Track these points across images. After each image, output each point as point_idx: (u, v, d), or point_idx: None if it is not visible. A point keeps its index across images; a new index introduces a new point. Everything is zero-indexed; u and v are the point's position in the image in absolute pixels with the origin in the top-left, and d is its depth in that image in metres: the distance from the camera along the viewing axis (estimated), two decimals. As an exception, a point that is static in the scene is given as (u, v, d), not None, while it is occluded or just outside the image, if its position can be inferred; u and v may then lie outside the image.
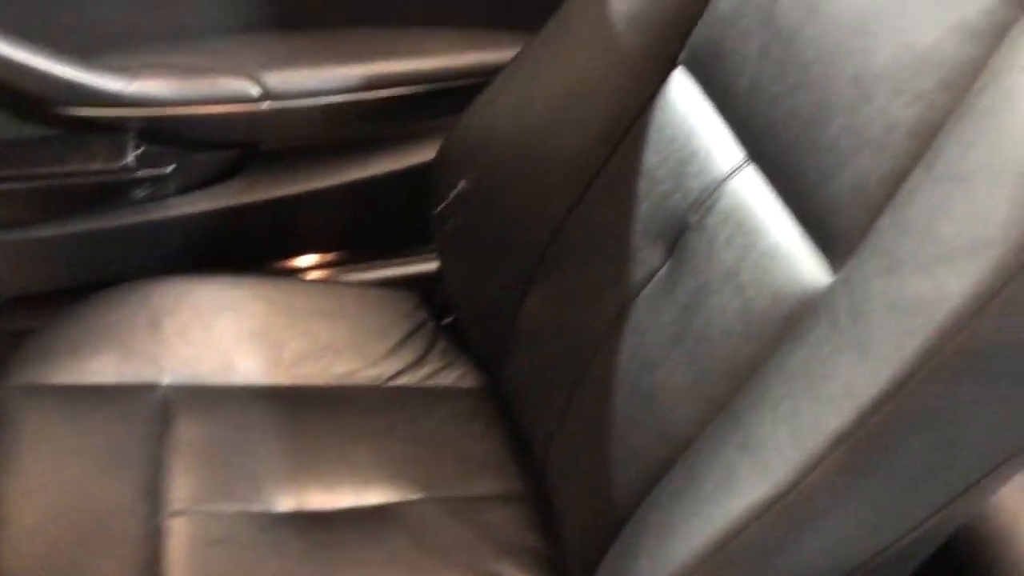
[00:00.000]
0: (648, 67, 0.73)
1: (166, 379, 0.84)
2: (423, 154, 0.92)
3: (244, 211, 0.96)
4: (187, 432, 0.80)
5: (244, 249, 1.00)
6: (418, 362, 0.91)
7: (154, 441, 0.79)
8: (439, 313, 0.96)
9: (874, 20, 0.55)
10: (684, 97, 0.71)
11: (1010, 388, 0.46)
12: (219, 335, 0.88)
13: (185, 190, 0.94)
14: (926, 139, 0.50)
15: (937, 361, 0.45)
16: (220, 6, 0.90)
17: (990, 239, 0.43)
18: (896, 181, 0.51)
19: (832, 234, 0.56)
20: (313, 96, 0.88)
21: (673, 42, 0.72)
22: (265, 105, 0.87)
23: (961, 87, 0.49)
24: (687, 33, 0.71)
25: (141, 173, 0.89)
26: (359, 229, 1.02)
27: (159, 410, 0.81)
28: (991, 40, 0.48)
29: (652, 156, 0.73)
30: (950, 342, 0.44)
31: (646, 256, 0.71)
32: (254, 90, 0.87)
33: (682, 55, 0.72)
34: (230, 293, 0.91)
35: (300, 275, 1.05)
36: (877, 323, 0.48)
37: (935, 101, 0.50)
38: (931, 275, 0.46)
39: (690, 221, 0.67)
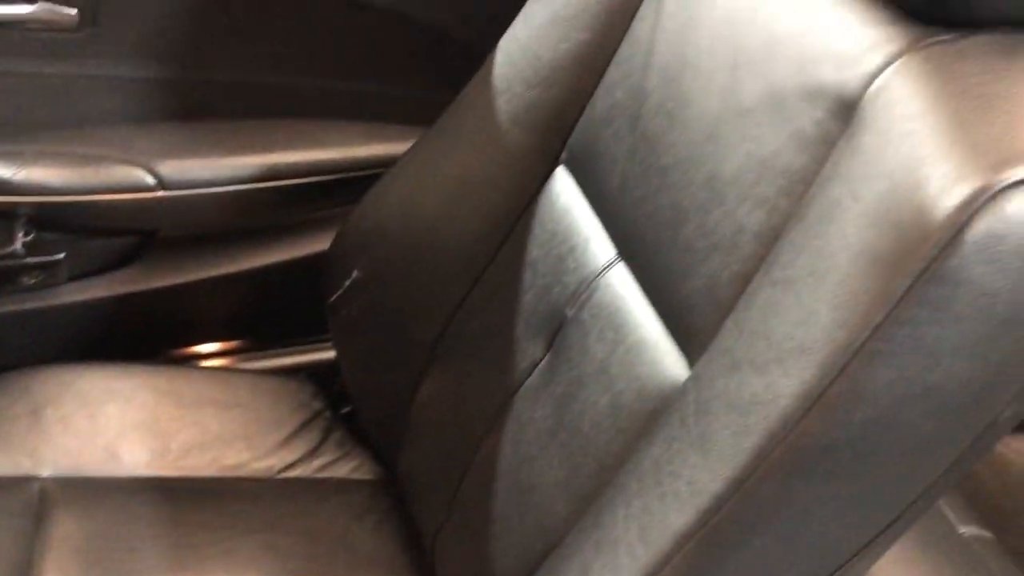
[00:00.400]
0: (532, 165, 0.76)
1: (45, 471, 0.82)
2: (319, 243, 0.93)
3: (138, 298, 0.95)
4: (63, 528, 0.77)
5: (138, 336, 0.99)
6: (312, 453, 0.90)
7: (27, 538, 0.76)
8: (337, 403, 0.95)
9: (724, 128, 0.57)
10: (565, 194, 0.74)
11: (844, 487, 0.48)
12: (104, 425, 0.86)
13: (78, 277, 0.93)
14: (768, 243, 0.52)
15: (771, 460, 0.46)
16: (116, 95, 0.91)
17: (814, 342, 0.45)
18: (743, 283, 0.53)
19: (689, 332, 0.57)
20: (209, 186, 0.89)
21: (555, 141, 0.74)
22: (160, 194, 0.88)
23: (798, 194, 0.51)
24: (568, 133, 0.74)
25: (30, 260, 0.88)
26: (256, 317, 1.01)
27: (35, 504, 0.79)
28: (823, 150, 0.51)
29: (536, 250, 0.74)
30: (782, 442, 0.45)
31: (528, 349, 0.72)
32: (148, 179, 0.88)
33: (563, 154, 0.74)
34: (119, 382, 0.89)
35: (196, 363, 1.03)
36: (718, 421, 0.49)
37: (776, 207, 0.52)
38: (765, 375, 0.47)
39: (568, 315, 0.69)
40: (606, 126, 0.69)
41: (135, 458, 0.85)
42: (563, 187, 0.74)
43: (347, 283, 0.86)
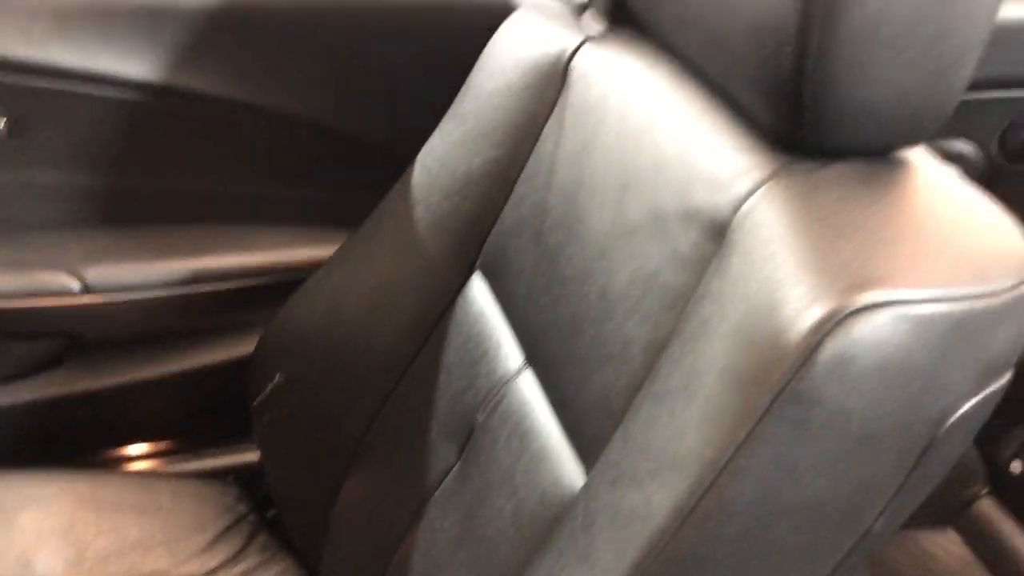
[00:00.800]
0: (449, 271, 0.78)
1: None
2: (245, 346, 0.93)
3: (63, 402, 0.94)
4: None
5: (62, 440, 0.98)
6: (234, 558, 0.89)
7: None
8: (262, 506, 0.94)
9: (614, 245, 0.60)
10: (480, 299, 0.76)
11: None
12: (19, 532, 0.84)
13: (2, 381, 0.93)
14: (654, 357, 0.54)
15: (649, 573, 0.47)
16: (44, 202, 0.92)
17: (685, 457, 0.46)
18: (631, 394, 0.55)
19: (586, 441, 0.59)
20: (135, 291, 0.90)
21: (471, 249, 0.77)
22: (85, 299, 0.89)
23: (678, 311, 0.54)
24: (482, 242, 0.76)
25: (-49, 363, 0.88)
26: (183, 420, 1.01)
27: None
28: (699, 269, 0.53)
29: (452, 354, 0.76)
30: (659, 555, 0.46)
31: (443, 454, 0.73)
32: (74, 284, 0.89)
33: (479, 261, 0.77)
34: (38, 488, 0.88)
35: (122, 465, 1.02)
36: (602, 533, 0.50)
37: (660, 322, 0.55)
38: (643, 489, 0.48)
39: (479, 420, 0.70)
40: (515, 237, 0.72)
41: (50, 567, 0.83)
42: (478, 293, 0.76)
43: (270, 386, 0.87)
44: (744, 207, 0.51)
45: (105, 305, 0.89)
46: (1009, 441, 1.15)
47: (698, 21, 0.55)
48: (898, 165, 0.52)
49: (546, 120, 0.71)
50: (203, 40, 0.83)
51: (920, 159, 0.54)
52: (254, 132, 0.90)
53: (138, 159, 0.89)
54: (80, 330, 0.93)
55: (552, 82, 0.70)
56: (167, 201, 0.92)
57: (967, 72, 0.50)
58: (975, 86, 1.04)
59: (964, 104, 1.09)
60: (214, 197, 0.93)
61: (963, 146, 1.07)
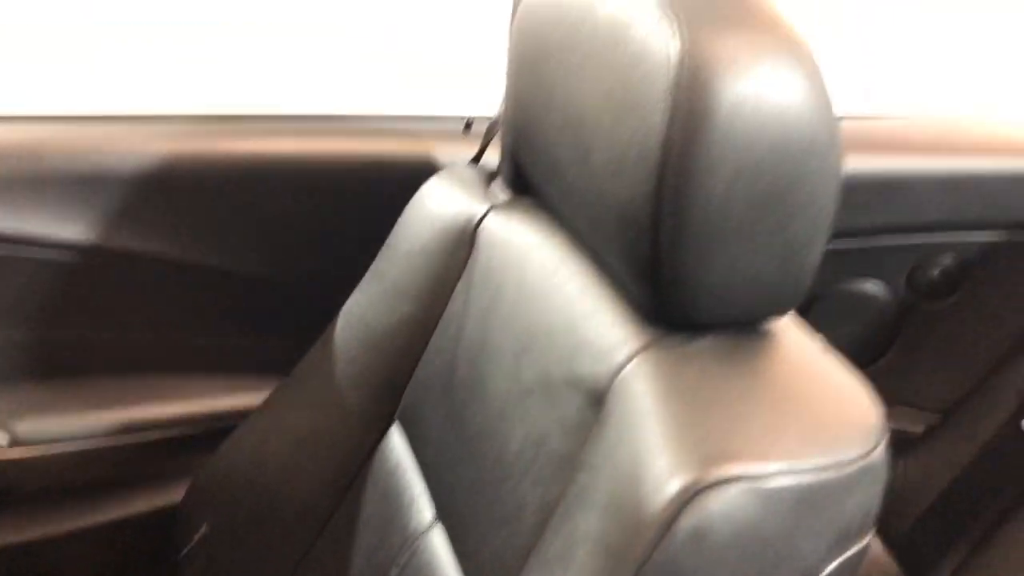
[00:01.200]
0: (369, 423, 0.80)
1: None
2: (174, 496, 0.94)
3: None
4: None
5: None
6: None
7: None
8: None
9: (510, 408, 0.63)
10: (397, 453, 0.78)
11: None
12: None
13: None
14: (545, 520, 0.56)
15: None
16: None
17: None
18: (525, 556, 0.57)
19: None
20: (65, 443, 0.91)
21: (389, 402, 0.79)
22: (15, 453, 0.89)
23: (565, 476, 0.56)
24: (400, 395, 0.79)
25: None
26: (111, 570, 1.00)
27: None
28: (583, 436, 0.56)
29: (370, 507, 0.77)
30: None
31: None
32: (2, 438, 0.90)
33: (398, 412, 0.79)
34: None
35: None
36: None
37: (550, 486, 0.57)
38: None
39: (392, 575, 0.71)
40: (428, 392, 0.75)
41: None
42: (396, 444, 0.78)
43: (197, 537, 0.87)
44: (619, 377, 0.55)
45: (34, 458, 0.90)
46: None
47: (579, 201, 0.60)
48: (762, 336, 0.56)
49: (456, 281, 0.75)
50: (130, 202, 0.87)
51: (786, 328, 0.58)
52: (181, 285, 0.94)
53: (68, 314, 0.92)
54: (8, 483, 0.94)
55: (461, 246, 0.75)
56: (96, 353, 0.94)
57: (819, 248, 0.54)
58: (881, 232, 1.11)
59: (873, 248, 1.16)
60: (143, 348, 0.95)
61: (874, 286, 1.13)
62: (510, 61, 0.69)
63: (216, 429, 0.94)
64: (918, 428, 1.22)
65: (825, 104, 0.50)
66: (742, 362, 0.54)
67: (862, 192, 1.05)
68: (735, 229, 0.51)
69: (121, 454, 0.93)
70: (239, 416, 0.90)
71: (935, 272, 1.12)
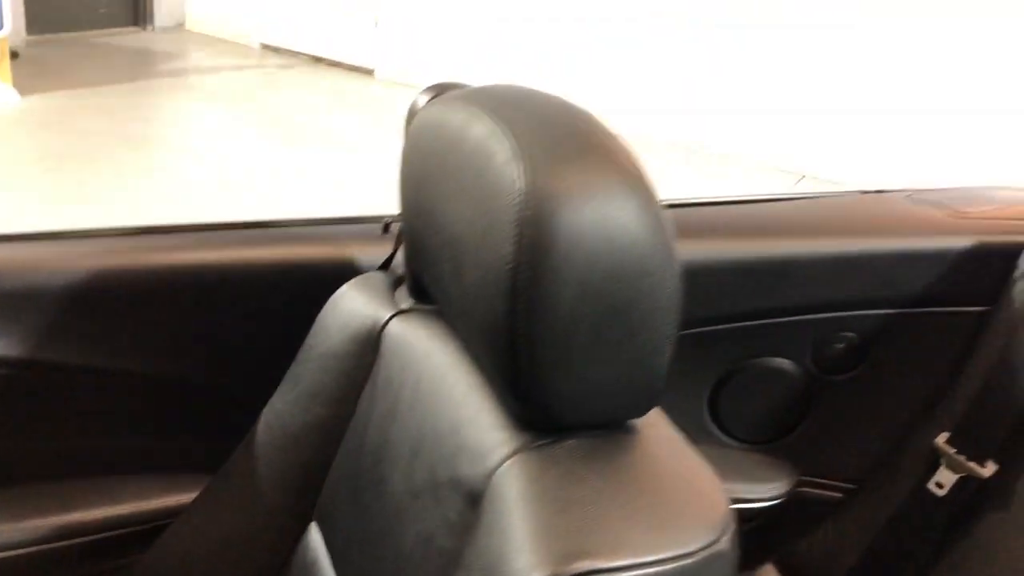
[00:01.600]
0: (287, 522, 0.84)
1: None
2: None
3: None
4: None
5: None
6: None
7: None
8: None
9: (404, 508, 0.68)
10: (314, 549, 0.82)
11: None
12: None
13: None
14: None
15: None
16: None
17: None
18: None
19: None
20: (2, 550, 0.93)
21: (307, 501, 0.83)
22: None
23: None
24: (316, 495, 0.83)
25: None
26: None
27: None
28: (464, 536, 0.61)
29: None
30: None
31: None
32: None
33: (315, 512, 0.83)
34: None
35: None
36: None
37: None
38: None
39: None
40: (340, 491, 0.79)
41: None
42: (313, 542, 0.82)
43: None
44: (493, 479, 0.59)
45: None
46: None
47: (458, 314, 0.65)
48: (624, 436, 0.62)
49: (364, 384, 0.80)
50: (56, 316, 0.91)
51: (650, 425, 0.63)
52: (113, 391, 0.97)
53: (1, 424, 0.95)
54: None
55: (368, 350, 0.80)
56: (31, 460, 0.97)
57: (667, 353, 0.60)
58: (784, 313, 1.17)
59: (777, 327, 1.22)
60: (77, 453, 0.99)
61: (783, 363, 1.19)
62: (402, 175, 0.74)
63: (151, 529, 0.97)
64: (835, 495, 1.28)
65: (658, 228, 0.56)
66: (603, 461, 0.59)
67: (760, 275, 1.12)
68: (583, 344, 0.56)
69: (59, 559, 0.96)
70: (173, 513, 0.93)
71: (839, 347, 1.19)
